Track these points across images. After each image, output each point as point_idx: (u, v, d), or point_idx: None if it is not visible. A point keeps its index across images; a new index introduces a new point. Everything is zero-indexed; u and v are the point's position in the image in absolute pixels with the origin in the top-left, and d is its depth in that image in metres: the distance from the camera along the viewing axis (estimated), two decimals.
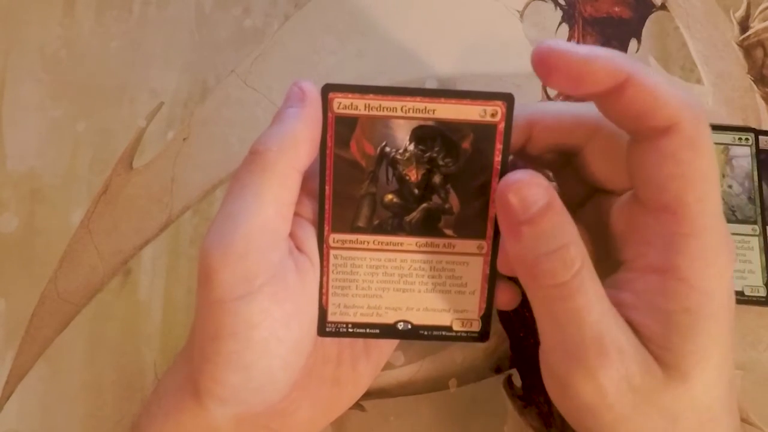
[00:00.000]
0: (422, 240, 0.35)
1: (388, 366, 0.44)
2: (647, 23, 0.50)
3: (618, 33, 0.50)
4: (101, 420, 0.44)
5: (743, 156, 0.46)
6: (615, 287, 0.31)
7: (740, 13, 0.50)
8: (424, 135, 0.33)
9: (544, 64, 0.30)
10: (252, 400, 0.34)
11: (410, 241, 0.35)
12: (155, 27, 0.50)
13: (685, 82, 0.49)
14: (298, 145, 0.32)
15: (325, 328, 0.36)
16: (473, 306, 0.36)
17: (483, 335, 0.36)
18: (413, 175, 0.34)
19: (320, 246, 0.35)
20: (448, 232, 0.35)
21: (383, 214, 0.35)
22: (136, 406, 0.44)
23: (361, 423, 0.44)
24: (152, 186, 0.47)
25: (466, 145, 0.34)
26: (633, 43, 0.50)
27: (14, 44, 0.49)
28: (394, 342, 0.40)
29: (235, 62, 0.50)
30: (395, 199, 0.34)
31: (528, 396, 0.44)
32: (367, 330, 0.36)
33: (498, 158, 0.33)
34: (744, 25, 0.50)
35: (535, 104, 0.31)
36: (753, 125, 0.48)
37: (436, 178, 0.34)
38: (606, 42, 0.50)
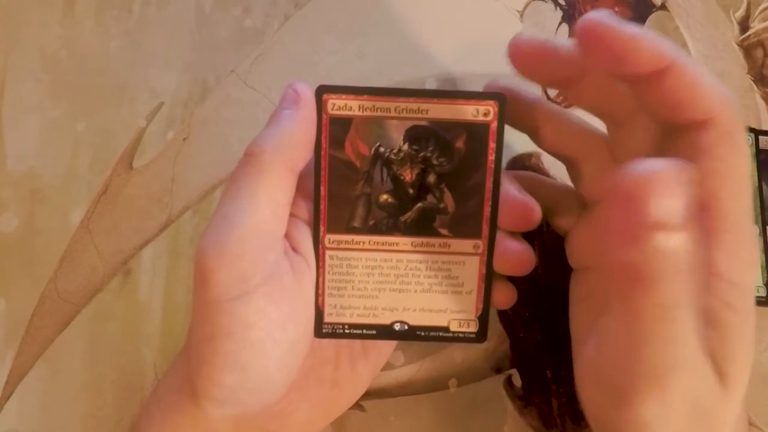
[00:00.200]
0: (418, 240, 0.35)
1: (388, 366, 0.44)
2: (647, 23, 0.50)
3: None
4: (101, 420, 0.44)
5: None
6: None
7: (740, 13, 0.50)
8: (417, 135, 0.34)
9: (589, 36, 0.28)
10: (249, 401, 0.34)
11: (406, 241, 0.35)
12: (155, 27, 0.50)
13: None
14: (293, 146, 0.32)
15: (321, 329, 0.36)
16: (470, 306, 0.36)
17: (480, 335, 0.36)
18: (408, 174, 0.34)
19: (316, 247, 0.35)
20: (444, 231, 0.35)
21: (378, 215, 0.35)
22: (136, 406, 0.44)
23: (361, 423, 0.44)
24: (152, 186, 0.47)
25: (459, 144, 0.34)
26: None
27: (14, 44, 0.50)
28: (393, 343, 0.40)
29: (235, 62, 0.50)
30: (390, 199, 0.34)
31: (528, 396, 0.44)
32: (364, 331, 0.36)
33: (491, 157, 0.34)
34: (744, 25, 0.50)
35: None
36: (753, 125, 0.48)
37: (431, 178, 0.34)
38: None
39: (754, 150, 0.46)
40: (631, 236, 0.26)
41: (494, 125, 0.33)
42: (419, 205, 0.35)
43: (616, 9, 0.50)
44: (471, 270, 0.35)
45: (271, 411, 0.35)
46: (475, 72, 0.49)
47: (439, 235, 0.35)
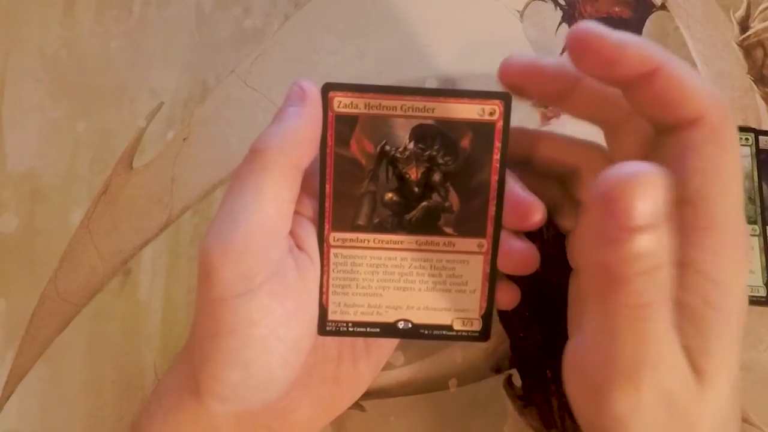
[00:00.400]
0: (422, 238, 0.35)
1: (388, 366, 0.44)
2: (647, 23, 0.50)
3: None
4: (101, 420, 0.44)
5: (743, 156, 0.46)
6: None
7: (740, 13, 0.50)
8: (423, 133, 0.34)
9: (579, 45, 0.29)
10: (252, 399, 0.34)
11: (410, 240, 0.35)
12: (155, 27, 0.50)
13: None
14: (299, 143, 0.32)
15: (325, 326, 0.36)
16: (474, 305, 0.36)
17: (484, 334, 0.36)
18: (413, 173, 0.34)
19: (320, 244, 0.35)
20: (448, 230, 0.35)
21: (383, 213, 0.35)
22: (136, 406, 0.44)
23: (361, 423, 0.44)
24: (152, 186, 0.47)
25: (465, 143, 0.34)
26: None
27: (14, 44, 0.49)
28: (395, 341, 0.40)
29: (235, 62, 0.50)
30: (395, 198, 0.34)
31: (528, 396, 0.44)
32: (368, 329, 0.36)
33: (496, 156, 0.34)
34: (744, 25, 0.50)
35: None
36: (753, 125, 0.48)
37: (436, 177, 0.34)
38: None
39: (754, 150, 0.46)
40: (605, 238, 0.27)
41: (500, 124, 0.33)
42: (424, 203, 0.35)
43: (616, 9, 0.50)
44: (475, 269, 0.35)
45: (273, 408, 0.35)
46: (475, 72, 0.49)
47: (443, 233, 0.35)
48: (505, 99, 0.33)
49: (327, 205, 0.35)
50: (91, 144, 0.48)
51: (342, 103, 0.33)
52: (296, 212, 0.34)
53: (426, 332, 0.36)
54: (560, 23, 0.50)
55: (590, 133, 0.35)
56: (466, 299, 0.36)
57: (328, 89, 0.33)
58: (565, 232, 0.37)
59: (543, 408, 0.44)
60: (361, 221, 0.35)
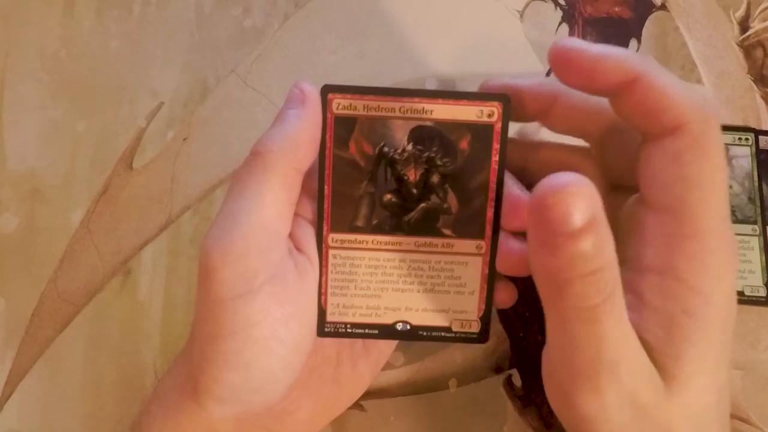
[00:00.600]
0: (421, 240, 0.35)
1: (388, 366, 0.44)
2: (647, 23, 0.50)
3: (618, 33, 0.50)
4: (101, 420, 0.44)
5: (743, 156, 0.46)
6: None
7: (740, 13, 0.50)
8: (422, 135, 0.34)
9: (559, 61, 0.31)
10: (251, 400, 0.34)
11: (409, 241, 0.35)
12: (155, 27, 0.50)
13: (685, 82, 0.49)
14: (299, 145, 0.32)
15: (324, 328, 0.36)
16: (472, 306, 0.36)
17: (482, 336, 0.36)
18: (412, 174, 0.34)
19: (319, 246, 0.35)
20: (447, 231, 0.35)
21: (382, 214, 0.35)
22: (136, 406, 0.44)
23: (361, 423, 0.44)
24: (152, 186, 0.47)
25: (463, 145, 0.34)
26: (633, 43, 0.50)
27: (14, 44, 0.49)
28: (394, 342, 0.40)
29: (235, 62, 0.50)
30: (394, 199, 0.34)
31: (528, 396, 0.44)
32: (366, 330, 0.36)
33: (495, 158, 0.34)
34: (744, 25, 0.50)
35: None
36: (753, 125, 0.48)
37: (435, 178, 0.34)
38: (606, 42, 0.50)
39: (754, 150, 0.46)
40: (545, 244, 0.28)
41: (498, 126, 0.33)
42: (423, 205, 0.35)
43: (616, 9, 0.50)
44: (473, 270, 0.35)
45: (272, 410, 0.35)
46: (475, 72, 0.49)
47: (442, 235, 0.35)
48: (504, 101, 0.33)
49: (325, 206, 0.34)
50: (91, 144, 0.48)
51: (341, 104, 0.33)
52: (296, 214, 0.34)
53: (424, 334, 0.36)
54: (560, 23, 0.50)
55: None
56: (465, 301, 0.36)
57: (327, 91, 0.33)
58: None
59: (543, 408, 0.44)
60: (359, 222, 0.35)
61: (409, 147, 0.34)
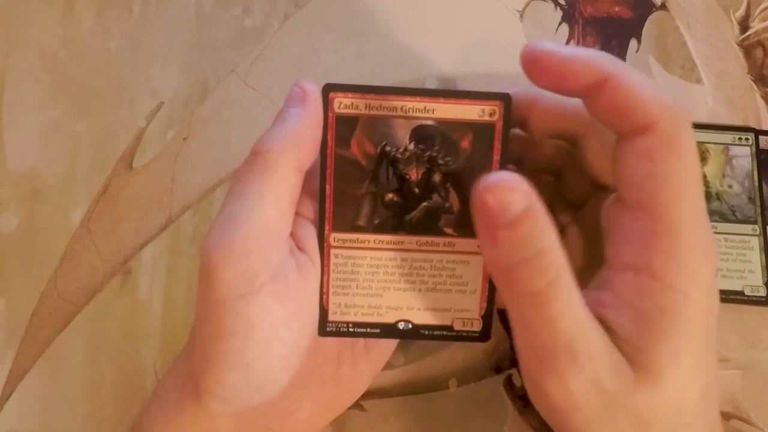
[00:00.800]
0: (423, 239, 0.35)
1: (388, 366, 0.44)
2: (647, 23, 0.50)
3: (618, 33, 0.50)
4: (101, 420, 0.44)
5: (743, 156, 0.46)
6: (597, 286, 0.32)
7: (740, 13, 0.50)
8: (423, 134, 0.34)
9: (530, 63, 0.31)
10: (252, 400, 0.34)
11: (411, 240, 0.35)
12: (155, 27, 0.50)
13: (685, 82, 0.49)
14: (300, 145, 0.32)
15: (325, 327, 0.36)
16: (474, 305, 0.36)
17: (484, 335, 0.36)
18: (413, 174, 0.34)
19: (321, 245, 0.35)
20: (449, 230, 0.35)
21: (384, 213, 0.35)
22: (136, 406, 0.44)
23: (361, 423, 0.44)
24: (152, 186, 0.47)
25: (465, 144, 0.34)
26: (633, 43, 0.50)
27: (14, 44, 0.49)
28: (395, 341, 0.40)
29: (235, 62, 0.50)
30: (395, 198, 0.34)
31: (528, 396, 0.44)
32: (368, 330, 0.36)
33: (496, 157, 0.34)
34: (744, 25, 0.50)
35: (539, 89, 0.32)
36: (753, 125, 0.48)
37: (436, 177, 0.34)
38: (606, 42, 0.50)
39: (754, 150, 0.46)
40: (485, 235, 0.30)
41: (500, 125, 0.33)
42: (424, 204, 0.35)
43: (616, 9, 0.50)
44: (475, 269, 0.35)
45: (273, 409, 0.35)
46: (475, 72, 0.49)
47: (443, 234, 0.35)
48: (505, 100, 0.33)
49: (327, 205, 0.34)
50: (91, 144, 0.48)
51: (342, 103, 0.33)
52: (297, 213, 0.34)
53: (426, 333, 0.36)
54: (560, 23, 0.50)
55: None
56: (467, 300, 0.36)
57: (328, 90, 0.33)
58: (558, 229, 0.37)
59: None
60: (361, 222, 0.35)
61: (411, 146, 0.34)
